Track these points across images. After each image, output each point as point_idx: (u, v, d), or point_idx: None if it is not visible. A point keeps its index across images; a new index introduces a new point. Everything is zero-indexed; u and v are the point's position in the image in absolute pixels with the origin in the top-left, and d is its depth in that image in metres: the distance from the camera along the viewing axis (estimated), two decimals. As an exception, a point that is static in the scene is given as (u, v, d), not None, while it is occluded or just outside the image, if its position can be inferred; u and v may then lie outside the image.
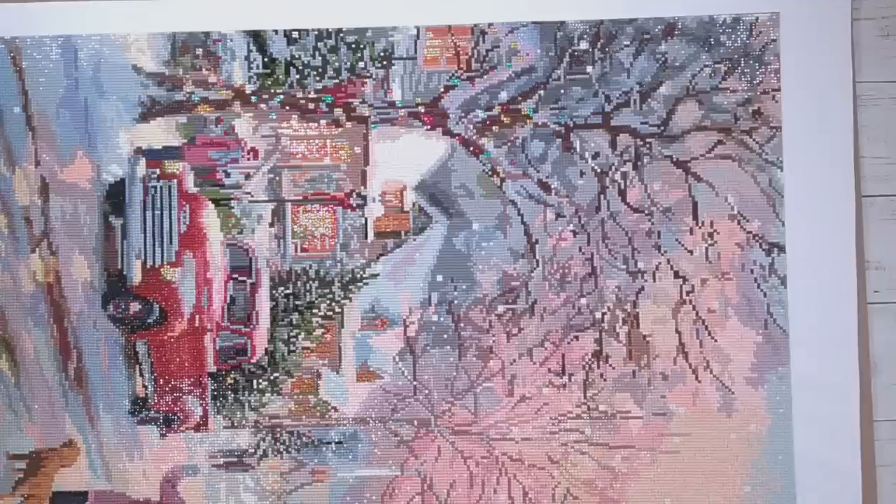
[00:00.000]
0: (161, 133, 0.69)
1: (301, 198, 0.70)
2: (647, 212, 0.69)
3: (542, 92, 0.69)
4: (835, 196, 0.68)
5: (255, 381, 0.70)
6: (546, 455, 0.69)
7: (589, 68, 0.69)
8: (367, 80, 0.69)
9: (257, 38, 0.69)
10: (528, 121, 0.69)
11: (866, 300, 0.69)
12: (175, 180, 0.69)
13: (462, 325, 0.70)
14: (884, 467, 0.69)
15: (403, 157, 0.69)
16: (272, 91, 0.69)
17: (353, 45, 0.69)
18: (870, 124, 0.70)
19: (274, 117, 0.69)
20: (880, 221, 0.70)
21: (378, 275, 0.70)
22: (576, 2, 0.69)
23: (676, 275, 0.69)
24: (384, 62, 0.69)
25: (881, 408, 0.69)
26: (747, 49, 0.68)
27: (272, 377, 0.70)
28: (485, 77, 0.69)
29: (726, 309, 0.69)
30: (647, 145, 0.69)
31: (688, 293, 0.69)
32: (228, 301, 0.70)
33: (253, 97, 0.69)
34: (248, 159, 0.69)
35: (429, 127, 0.69)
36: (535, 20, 0.69)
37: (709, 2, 0.68)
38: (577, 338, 0.69)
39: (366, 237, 0.70)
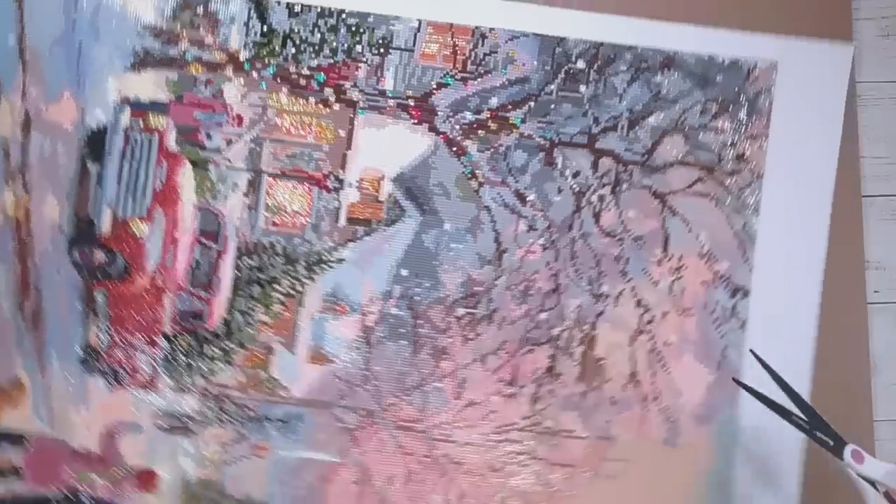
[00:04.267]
0: (150, 86, 0.69)
1: (279, 172, 0.70)
2: (618, 237, 0.69)
3: (532, 104, 0.69)
4: (807, 247, 0.69)
5: (208, 348, 0.70)
6: (486, 462, 0.69)
7: (582, 87, 0.69)
8: (361, 64, 0.69)
9: (259, 6, 0.68)
10: (514, 130, 0.69)
11: (866, 300, 0.70)
12: (157, 135, 0.69)
13: (420, 321, 0.69)
14: None
15: (386, 147, 0.69)
16: (266, 61, 0.69)
17: (353, 28, 0.69)
18: (870, 124, 0.70)
19: (264, 87, 0.69)
20: (880, 221, 0.70)
21: (344, 260, 0.70)
22: (579, 20, 0.69)
23: (639, 303, 0.69)
24: (381, 50, 0.69)
25: (881, 408, 0.70)
26: (741, 93, 0.69)
27: (226, 347, 0.70)
28: (478, 80, 0.69)
29: (683, 344, 0.69)
30: (629, 172, 0.69)
31: (647, 323, 0.69)
32: (193, 264, 0.70)
33: (246, 64, 0.69)
34: (233, 125, 0.69)
35: (416, 121, 0.69)
36: (536, 32, 0.69)
37: (710, 40, 0.68)
38: (531, 351, 0.70)
39: (337, 221, 0.70)
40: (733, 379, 0.64)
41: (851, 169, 0.69)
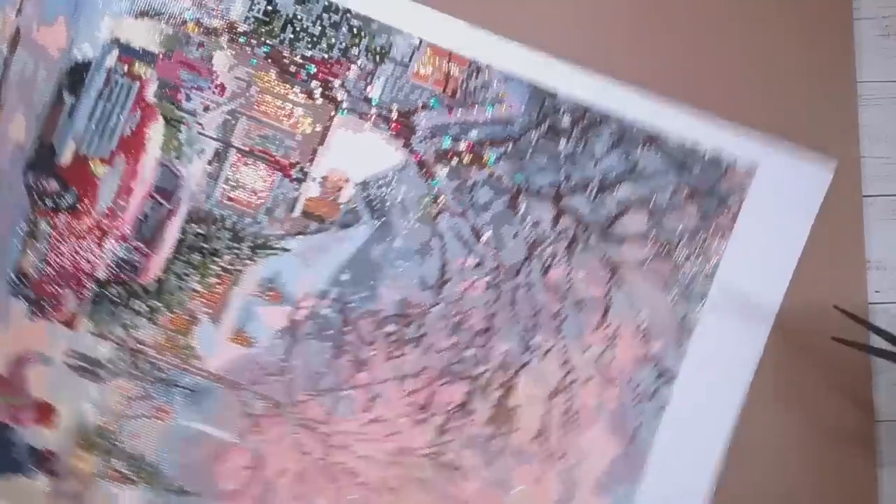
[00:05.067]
0: (144, 34, 0.69)
1: (248, 149, 0.70)
2: (561, 295, 0.70)
3: (510, 146, 0.69)
4: (744, 346, 0.69)
5: (135, 302, 0.70)
6: (379, 479, 0.70)
7: (562, 143, 0.69)
8: (354, 66, 0.69)
9: (269, -15, 0.69)
10: (486, 167, 0.69)
11: (866, 300, 0.70)
12: (138, 83, 0.69)
13: (349, 328, 0.70)
14: (884, 467, 0.70)
15: (358, 152, 0.69)
16: (262, 39, 0.69)
17: (355, 30, 0.69)
18: (870, 124, 0.70)
19: (254, 63, 0.69)
20: (880, 221, 0.70)
21: (290, 250, 0.70)
22: (576, 78, 0.69)
23: (565, 363, 0.70)
24: (377, 58, 0.69)
25: (881, 408, 0.70)
26: (715, 186, 0.69)
27: (153, 305, 0.70)
28: (463, 111, 0.69)
29: (599, 412, 0.69)
30: (587, 235, 0.69)
31: (570, 383, 0.70)
32: (141, 217, 0.69)
33: (242, 38, 0.69)
34: (214, 93, 0.69)
35: (393, 134, 0.69)
36: (531, 79, 0.69)
37: (697, 129, 0.69)
38: (450, 383, 0.70)
39: (292, 211, 0.70)
40: (834, 306, 0.66)
41: (851, 168, 0.70)
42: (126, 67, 0.69)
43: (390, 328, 0.70)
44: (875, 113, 0.71)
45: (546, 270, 0.70)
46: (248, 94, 0.69)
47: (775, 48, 0.70)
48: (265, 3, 0.69)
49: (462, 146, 0.69)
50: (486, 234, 0.70)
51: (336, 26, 0.69)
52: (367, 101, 0.69)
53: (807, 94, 0.70)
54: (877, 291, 0.70)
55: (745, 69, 0.70)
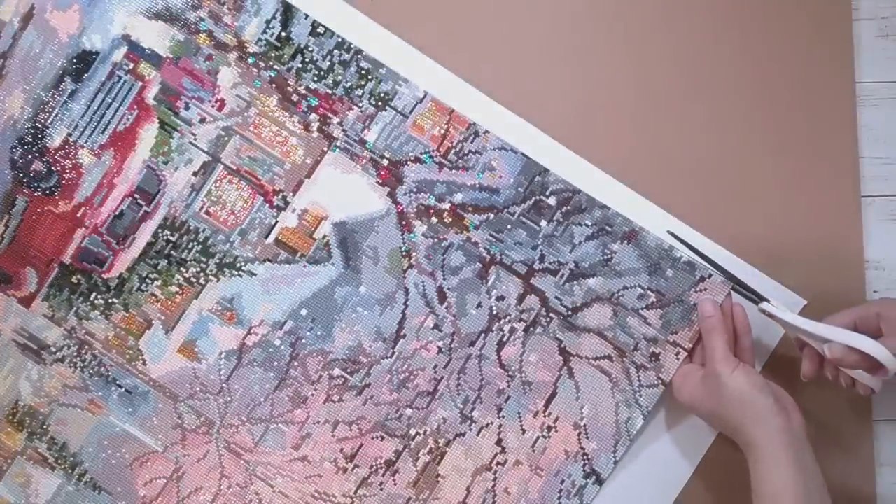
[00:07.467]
0: (155, 37, 0.69)
1: (235, 168, 0.70)
2: (510, 374, 0.69)
3: (492, 215, 0.69)
4: (672, 468, 0.69)
5: (94, 294, 0.70)
6: (291, 518, 0.70)
7: (543, 222, 0.69)
8: (355, 107, 0.69)
9: (287, 11, 0.69)
10: (465, 231, 0.69)
11: (866, 300, 0.70)
12: (140, 83, 0.69)
13: (295, 363, 0.69)
14: (884, 467, 0.70)
15: (342, 192, 0.69)
16: (270, 64, 0.69)
17: (363, 72, 0.69)
18: (870, 124, 0.70)
19: (258, 86, 0.69)
20: (880, 221, 0.70)
21: (255, 275, 0.70)
22: (569, 161, 0.69)
23: (499, 442, 0.69)
24: (379, 103, 0.69)
25: (881, 408, 0.69)
26: (683, 297, 0.69)
27: (110, 301, 0.70)
28: (453, 171, 0.69)
29: (520, 499, 0.69)
30: (548, 319, 0.69)
31: (498, 464, 0.69)
32: (117, 213, 0.70)
33: (251, 58, 0.69)
34: (213, 106, 0.69)
35: (380, 181, 0.69)
36: (526, 153, 0.69)
37: (678, 233, 0.69)
38: (382, 439, 0.69)
39: (266, 237, 0.70)
40: (668, 231, 0.68)
41: (851, 169, 0.70)
42: (131, 65, 0.69)
43: (336, 371, 0.69)
44: (874, 113, 0.71)
45: (501, 346, 0.69)
46: (246, 114, 0.69)
47: (775, 49, 0.70)
48: (280, 28, 0.69)
49: (445, 206, 0.69)
50: (451, 299, 0.69)
51: (345, 65, 0.69)
52: (362, 143, 0.69)
53: (806, 94, 0.70)
54: (875, 291, 0.70)
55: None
